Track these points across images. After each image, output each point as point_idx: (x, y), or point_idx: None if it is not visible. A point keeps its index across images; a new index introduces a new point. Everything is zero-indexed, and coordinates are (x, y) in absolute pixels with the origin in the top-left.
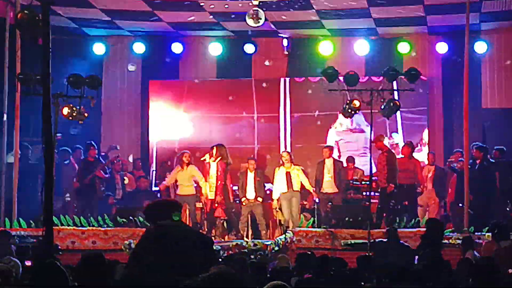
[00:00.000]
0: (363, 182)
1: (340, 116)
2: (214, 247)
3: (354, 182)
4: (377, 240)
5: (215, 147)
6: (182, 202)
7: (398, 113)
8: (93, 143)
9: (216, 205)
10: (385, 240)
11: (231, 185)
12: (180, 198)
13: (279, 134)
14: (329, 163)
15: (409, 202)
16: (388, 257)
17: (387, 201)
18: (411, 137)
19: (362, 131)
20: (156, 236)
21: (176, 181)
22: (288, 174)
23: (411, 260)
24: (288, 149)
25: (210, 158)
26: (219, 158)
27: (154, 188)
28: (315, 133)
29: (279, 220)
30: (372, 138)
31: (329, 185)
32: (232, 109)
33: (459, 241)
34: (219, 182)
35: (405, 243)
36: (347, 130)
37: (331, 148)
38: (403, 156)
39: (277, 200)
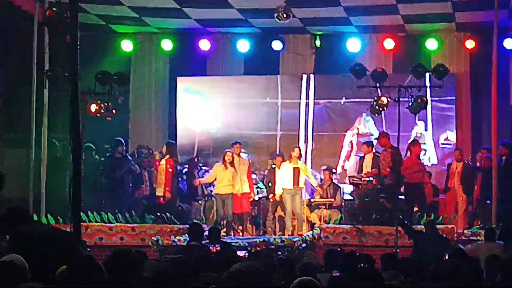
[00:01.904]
0: (362, 179)
1: (357, 121)
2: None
3: (354, 179)
4: (418, 229)
5: (164, 145)
6: (220, 201)
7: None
8: (121, 140)
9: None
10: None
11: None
12: (219, 197)
13: (299, 121)
14: (368, 158)
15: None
16: (428, 248)
17: (394, 199)
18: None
19: (371, 134)
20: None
21: (215, 179)
22: (296, 170)
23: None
24: (310, 137)
25: (159, 155)
26: (167, 156)
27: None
28: (341, 122)
29: (307, 217)
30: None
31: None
32: (255, 94)
33: None
34: (167, 178)
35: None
36: (362, 134)
37: (369, 144)
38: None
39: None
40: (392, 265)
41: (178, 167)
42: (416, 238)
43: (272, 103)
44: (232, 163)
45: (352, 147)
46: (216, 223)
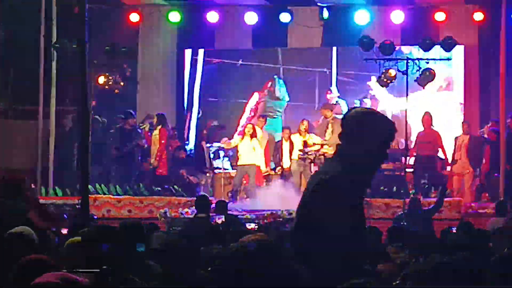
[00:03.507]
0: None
1: (269, 83)
2: None
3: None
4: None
5: (155, 116)
6: (243, 172)
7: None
8: (132, 112)
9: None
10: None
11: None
12: (242, 168)
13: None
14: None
15: (429, 173)
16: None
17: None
18: None
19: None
20: None
21: (237, 151)
22: (305, 143)
23: (427, 227)
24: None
25: (149, 126)
26: (159, 126)
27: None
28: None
29: None
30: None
31: None
32: None
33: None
34: (161, 149)
35: (426, 210)
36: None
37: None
38: (423, 127)
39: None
40: (399, 238)
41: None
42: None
43: None
44: (253, 135)
45: (256, 111)
46: (233, 192)
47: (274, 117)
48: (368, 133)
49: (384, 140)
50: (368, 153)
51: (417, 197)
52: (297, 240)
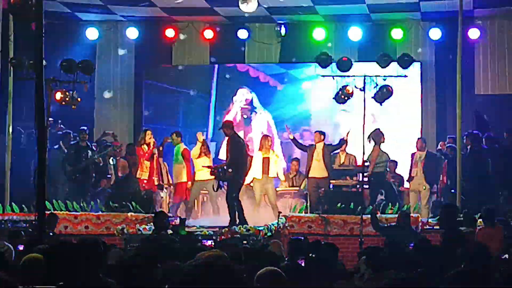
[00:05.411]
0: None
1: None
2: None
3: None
4: (389, 224)
5: (148, 132)
6: (201, 187)
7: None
8: (85, 128)
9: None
10: (394, 224)
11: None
12: (201, 184)
13: None
14: (319, 147)
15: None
16: (398, 239)
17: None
18: None
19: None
20: None
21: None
22: (265, 160)
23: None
24: None
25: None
26: (152, 141)
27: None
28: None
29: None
30: (364, 123)
31: (316, 170)
32: None
33: None
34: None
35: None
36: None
37: (322, 133)
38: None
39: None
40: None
41: None
42: (386, 232)
43: None
44: (208, 150)
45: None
46: (187, 209)
47: None
48: None
49: None
50: None
51: (407, 212)
52: None
